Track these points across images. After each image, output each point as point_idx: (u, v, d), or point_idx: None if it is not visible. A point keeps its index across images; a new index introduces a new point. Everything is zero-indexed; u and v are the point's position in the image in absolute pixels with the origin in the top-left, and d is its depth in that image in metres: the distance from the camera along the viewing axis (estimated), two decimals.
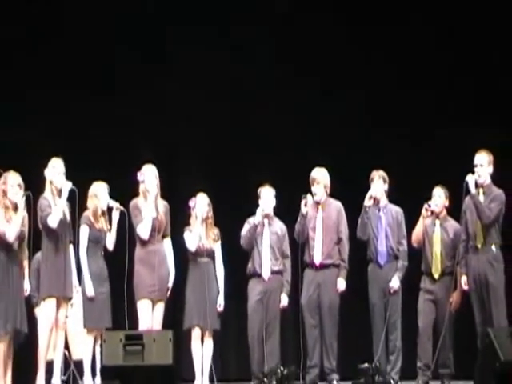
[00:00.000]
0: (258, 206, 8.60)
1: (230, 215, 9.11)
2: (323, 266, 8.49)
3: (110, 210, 8.29)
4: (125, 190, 8.48)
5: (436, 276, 8.41)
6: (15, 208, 7.61)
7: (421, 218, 8.52)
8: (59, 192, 7.79)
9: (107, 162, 9.89)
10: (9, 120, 10.14)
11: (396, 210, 8.66)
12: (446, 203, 8.54)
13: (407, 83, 10.65)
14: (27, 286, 7.98)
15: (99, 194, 8.29)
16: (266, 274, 8.52)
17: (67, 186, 7.76)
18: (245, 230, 8.60)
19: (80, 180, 8.13)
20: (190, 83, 10.80)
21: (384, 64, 10.70)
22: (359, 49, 10.81)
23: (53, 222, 7.68)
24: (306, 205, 8.43)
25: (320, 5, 10.91)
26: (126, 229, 8.29)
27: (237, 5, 10.83)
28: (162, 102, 10.72)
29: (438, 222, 8.52)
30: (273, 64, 10.83)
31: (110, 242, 8.28)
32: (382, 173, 8.62)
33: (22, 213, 7.60)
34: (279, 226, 8.67)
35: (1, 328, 7.51)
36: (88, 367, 8.22)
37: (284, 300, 8.55)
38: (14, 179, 7.64)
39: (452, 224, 8.52)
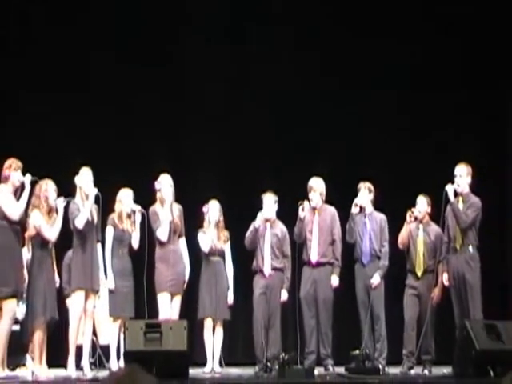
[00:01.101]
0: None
1: (239, 219, 9.17)
2: (319, 264, 8.71)
3: (135, 212, 8.44)
4: (147, 195, 8.65)
5: (419, 274, 8.60)
6: (53, 211, 7.92)
7: (405, 224, 8.69)
8: (88, 197, 8.03)
9: (133, 170, 9.91)
10: (45, 133, 10.20)
11: (380, 217, 8.86)
12: (428, 209, 8.74)
13: (396, 100, 10.69)
14: (57, 279, 8.22)
15: (123, 199, 8.50)
16: (267, 270, 8.72)
17: (93, 192, 8.01)
18: (248, 232, 8.80)
19: (109, 186, 8.43)
20: (203, 97, 10.69)
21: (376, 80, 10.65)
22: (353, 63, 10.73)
23: (79, 223, 7.95)
24: (303, 209, 8.66)
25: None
26: (145, 230, 8.42)
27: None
28: (179, 117, 10.71)
29: (421, 226, 8.72)
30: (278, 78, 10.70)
31: (135, 240, 8.45)
32: (367, 184, 8.85)
33: (61, 217, 7.88)
34: (280, 229, 8.85)
35: (40, 317, 7.76)
36: (114, 351, 8.40)
37: (284, 295, 8.75)
38: (52, 186, 7.95)
39: (433, 228, 8.71)
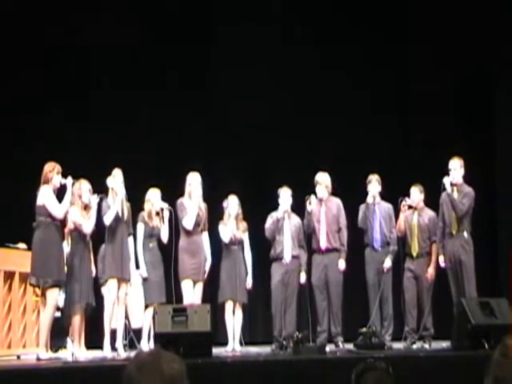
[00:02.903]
0: (277, 204, 8.90)
1: (256, 211, 9.32)
2: (328, 250, 8.85)
3: (163, 210, 8.63)
4: (175, 192, 8.83)
5: (415, 255, 8.78)
6: (85, 208, 8.16)
7: (400, 212, 8.88)
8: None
9: (163, 170, 10.17)
10: (82, 139, 10.39)
11: (387, 206, 9.03)
12: (422, 197, 8.91)
13: (394, 107, 10.83)
14: (93, 269, 8.43)
15: (152, 198, 8.74)
16: (287, 257, 8.88)
17: (122, 192, 8.27)
18: (268, 223, 8.97)
19: (142, 184, 8.71)
20: (225, 105, 10.77)
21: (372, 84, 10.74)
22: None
23: (107, 220, 8.23)
24: (310, 203, 8.84)
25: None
26: (173, 225, 8.54)
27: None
28: (205, 123, 10.83)
29: (416, 212, 8.91)
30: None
31: (164, 235, 8.68)
32: (377, 176, 9.00)
33: (95, 212, 8.14)
34: (297, 221, 9.04)
35: (76, 304, 8.00)
36: (146, 334, 8.60)
37: (303, 277, 8.91)
38: (86, 186, 8.21)
39: (427, 212, 8.91)
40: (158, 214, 8.73)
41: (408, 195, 8.89)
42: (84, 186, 8.19)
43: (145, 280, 8.62)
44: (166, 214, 8.64)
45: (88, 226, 8.11)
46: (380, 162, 10.11)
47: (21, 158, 10.04)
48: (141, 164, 10.15)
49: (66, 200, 7.90)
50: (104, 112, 10.56)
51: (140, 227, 8.68)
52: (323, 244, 8.89)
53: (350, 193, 9.19)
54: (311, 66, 10.90)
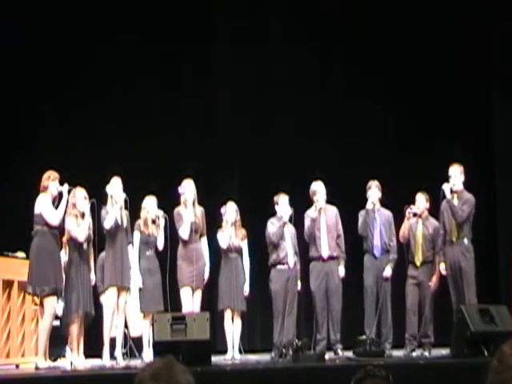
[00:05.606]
0: (274, 211, 8.98)
1: (254, 218, 9.40)
2: (329, 258, 8.90)
3: (159, 217, 8.65)
4: (175, 198, 8.88)
5: (418, 264, 8.83)
6: (82, 216, 8.20)
7: (405, 219, 8.93)
8: (117, 203, 8.34)
9: (161, 177, 10.15)
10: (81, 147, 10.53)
11: (388, 213, 9.07)
12: (427, 205, 8.95)
13: (393, 110, 10.92)
14: (93, 278, 8.47)
15: (148, 206, 8.74)
16: (291, 262, 8.91)
17: (122, 197, 8.35)
18: (274, 228, 8.97)
19: (140, 191, 8.81)
20: (225, 116, 10.88)
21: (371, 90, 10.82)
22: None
23: (107, 224, 8.27)
24: (315, 210, 8.93)
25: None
26: (168, 233, 8.59)
27: None
28: (205, 130, 10.93)
29: (420, 220, 8.95)
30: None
31: (160, 243, 8.68)
32: (377, 182, 9.04)
33: (88, 219, 8.18)
34: (292, 228, 9.07)
35: (74, 312, 8.03)
36: (146, 343, 8.54)
37: (299, 285, 8.99)
38: (80, 193, 8.23)
39: (432, 222, 8.93)
40: (154, 221, 8.74)
41: (409, 202, 8.91)
42: (79, 193, 8.20)
43: (141, 288, 8.62)
44: (162, 222, 8.67)
45: (80, 234, 8.12)
46: (378, 165, 10.20)
47: (20, 166, 10.11)
48: (140, 169, 10.21)
49: (62, 206, 7.96)
50: (103, 114, 10.61)
51: (136, 235, 8.67)
52: (325, 252, 8.92)
53: (347, 199, 9.27)
54: (311, 66, 10.96)
